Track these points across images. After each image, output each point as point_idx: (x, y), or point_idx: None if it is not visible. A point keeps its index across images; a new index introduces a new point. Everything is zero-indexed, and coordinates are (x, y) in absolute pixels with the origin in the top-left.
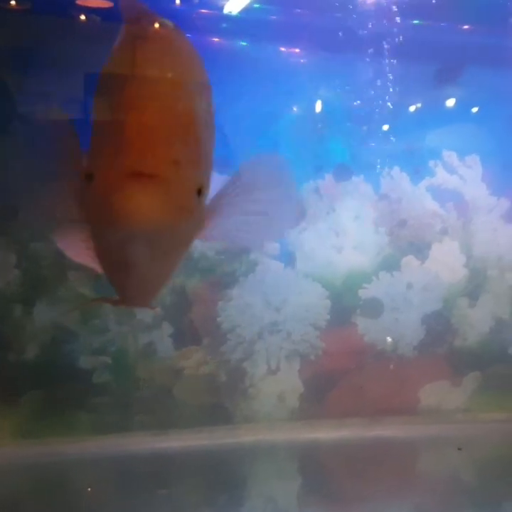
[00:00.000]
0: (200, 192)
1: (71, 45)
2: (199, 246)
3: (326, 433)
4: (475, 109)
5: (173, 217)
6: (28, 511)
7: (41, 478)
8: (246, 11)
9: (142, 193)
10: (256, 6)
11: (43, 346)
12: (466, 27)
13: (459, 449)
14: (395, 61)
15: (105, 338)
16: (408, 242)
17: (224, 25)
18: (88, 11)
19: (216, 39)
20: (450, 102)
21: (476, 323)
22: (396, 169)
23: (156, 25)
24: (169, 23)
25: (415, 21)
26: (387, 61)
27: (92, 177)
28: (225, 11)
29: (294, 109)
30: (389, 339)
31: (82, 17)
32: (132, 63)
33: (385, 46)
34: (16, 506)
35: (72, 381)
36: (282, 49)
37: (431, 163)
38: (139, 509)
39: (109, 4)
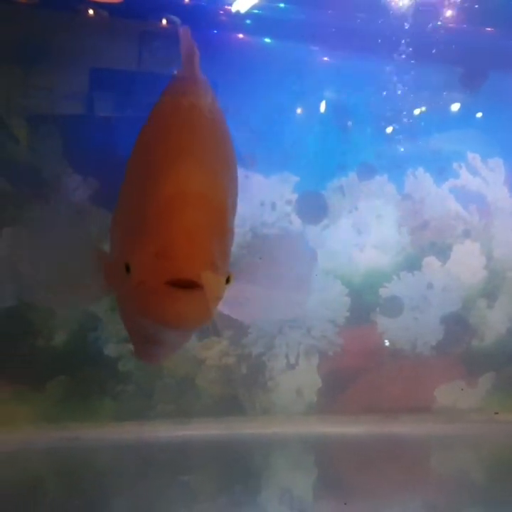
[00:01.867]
0: (228, 280)
1: (79, 39)
2: None
3: (342, 428)
4: (499, 113)
5: (208, 315)
6: (51, 493)
7: (65, 462)
8: (270, 8)
9: (184, 303)
10: (281, 5)
11: (71, 333)
12: (492, 31)
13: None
14: (422, 62)
15: None
16: (430, 242)
17: (248, 22)
18: (96, 5)
19: (240, 36)
20: (475, 105)
21: (493, 324)
22: (420, 170)
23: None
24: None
25: (439, 23)
26: (413, 62)
27: (129, 269)
28: (242, 8)
29: (320, 107)
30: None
31: (91, 12)
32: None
33: (411, 47)
34: (40, 488)
35: (98, 368)
36: (308, 47)
37: (455, 164)
38: (157, 494)
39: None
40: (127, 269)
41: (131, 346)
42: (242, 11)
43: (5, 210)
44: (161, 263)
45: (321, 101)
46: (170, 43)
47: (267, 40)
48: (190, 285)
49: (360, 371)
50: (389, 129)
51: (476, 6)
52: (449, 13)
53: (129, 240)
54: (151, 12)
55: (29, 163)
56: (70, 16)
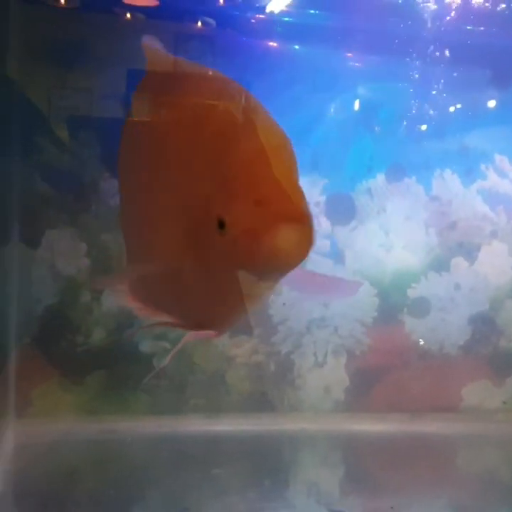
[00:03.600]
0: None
1: (117, 42)
2: None
3: (369, 426)
4: None
5: (312, 247)
6: (89, 482)
7: (102, 453)
8: (300, 15)
9: (299, 235)
10: (311, 11)
11: (109, 330)
12: None
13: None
14: (449, 65)
15: None
16: (457, 243)
17: (279, 29)
18: (133, 8)
19: (272, 43)
20: (503, 106)
21: None
22: (448, 171)
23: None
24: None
25: (469, 27)
26: (441, 65)
27: (225, 224)
28: (272, 15)
29: (348, 110)
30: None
31: (128, 15)
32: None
33: (439, 50)
34: (79, 476)
35: (134, 364)
36: (336, 51)
37: (482, 166)
38: (189, 486)
39: (154, 3)
40: (221, 225)
41: (165, 345)
42: (272, 18)
43: (47, 214)
44: (266, 209)
45: (349, 104)
46: (205, 45)
47: (296, 46)
48: (298, 222)
49: (388, 370)
50: (417, 131)
51: (506, 12)
52: (476, 15)
53: (223, 199)
54: (185, 14)
55: (70, 168)
56: (107, 19)
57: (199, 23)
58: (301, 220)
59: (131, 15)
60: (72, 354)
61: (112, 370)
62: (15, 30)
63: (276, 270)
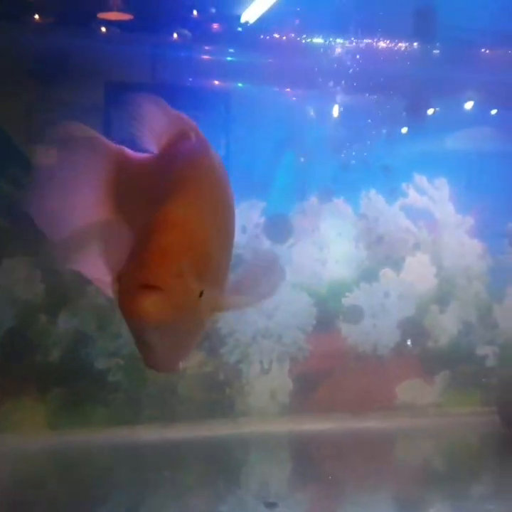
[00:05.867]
0: (201, 294)
1: (92, 56)
2: None
3: (312, 426)
4: (442, 137)
5: (172, 316)
6: (53, 491)
7: (64, 463)
8: (242, 55)
9: (148, 301)
10: (252, 53)
11: (66, 349)
12: (435, 64)
13: None
14: (371, 96)
15: (119, 342)
16: (385, 255)
17: (223, 69)
18: (108, 23)
19: (216, 82)
20: (418, 131)
21: (446, 326)
22: (373, 191)
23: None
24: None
25: (386, 62)
26: (364, 96)
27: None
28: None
29: (281, 141)
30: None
31: (103, 29)
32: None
33: (362, 83)
34: (43, 486)
35: (91, 380)
36: (271, 88)
37: (404, 185)
38: (148, 490)
39: (128, 17)
40: (119, 280)
41: (119, 362)
42: (215, 59)
43: (3, 245)
44: (137, 272)
45: (282, 135)
46: (182, 56)
47: (240, 84)
48: (156, 288)
49: (328, 373)
50: (344, 157)
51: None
52: (394, 52)
53: (127, 260)
54: (161, 27)
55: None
56: (82, 33)
57: (175, 35)
58: (161, 287)
59: (106, 29)
60: (32, 373)
61: (71, 386)
62: None
63: (140, 330)
